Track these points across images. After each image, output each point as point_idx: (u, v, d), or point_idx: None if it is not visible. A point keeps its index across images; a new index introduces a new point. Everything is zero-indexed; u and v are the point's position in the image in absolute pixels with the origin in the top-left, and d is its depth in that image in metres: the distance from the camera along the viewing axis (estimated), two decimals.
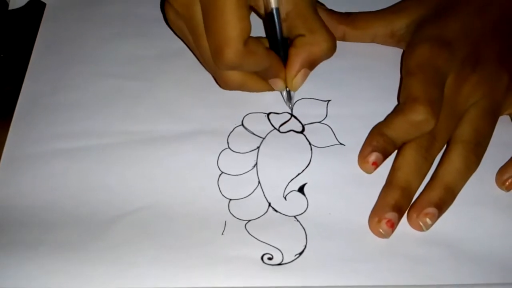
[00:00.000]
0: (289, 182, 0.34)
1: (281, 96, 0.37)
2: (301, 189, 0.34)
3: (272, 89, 0.37)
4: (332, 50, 0.35)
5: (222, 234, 0.32)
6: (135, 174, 0.34)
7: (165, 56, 0.40)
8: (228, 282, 0.30)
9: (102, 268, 0.30)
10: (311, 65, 0.35)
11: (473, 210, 0.33)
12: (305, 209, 0.33)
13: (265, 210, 0.33)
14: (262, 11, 0.35)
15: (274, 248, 0.31)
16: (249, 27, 0.31)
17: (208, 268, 0.31)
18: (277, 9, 0.34)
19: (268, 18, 0.35)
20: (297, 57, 0.35)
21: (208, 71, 0.37)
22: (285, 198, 0.33)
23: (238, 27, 0.30)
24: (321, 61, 0.36)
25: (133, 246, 0.31)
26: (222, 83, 0.36)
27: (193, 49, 0.36)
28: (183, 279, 0.30)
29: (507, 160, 0.35)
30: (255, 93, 0.37)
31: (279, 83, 0.36)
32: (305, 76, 0.35)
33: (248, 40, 0.31)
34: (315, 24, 0.35)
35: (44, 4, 0.44)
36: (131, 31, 0.42)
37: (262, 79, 0.36)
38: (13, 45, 0.41)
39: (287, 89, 0.36)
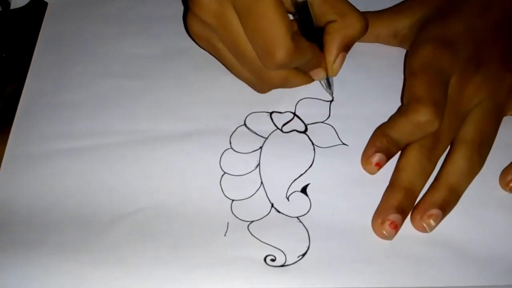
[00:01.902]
0: (292, 183, 0.34)
1: (283, 95, 0.37)
2: (304, 190, 0.34)
3: (310, 82, 0.37)
4: (366, 29, 0.36)
5: (225, 235, 0.32)
6: (137, 174, 0.34)
7: (167, 55, 0.40)
8: (230, 283, 0.30)
9: (104, 268, 0.30)
10: (347, 47, 0.36)
11: (477, 212, 0.33)
12: (308, 210, 0.33)
13: (268, 211, 0.33)
14: (287, 5, 0.35)
15: (277, 250, 0.31)
16: (290, 23, 0.31)
17: (211, 269, 0.31)
18: (306, 1, 0.34)
19: (298, 10, 0.35)
20: (334, 43, 0.35)
21: (243, 78, 0.36)
22: (288, 199, 0.33)
23: (283, 25, 0.30)
24: (355, 42, 0.36)
25: (135, 247, 0.31)
26: (266, 84, 0.36)
27: (225, 58, 0.35)
28: (185, 280, 0.30)
29: (510, 161, 0.35)
30: (257, 92, 0.37)
31: (321, 73, 0.36)
32: (344, 59, 0.36)
33: (293, 36, 0.31)
34: (344, 7, 0.35)
35: (46, 3, 0.43)
36: (133, 30, 0.42)
37: (302, 73, 0.36)
38: (15, 44, 0.41)
39: (327, 77, 0.37)
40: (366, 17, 0.35)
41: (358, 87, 0.38)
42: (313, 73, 0.36)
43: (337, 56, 0.35)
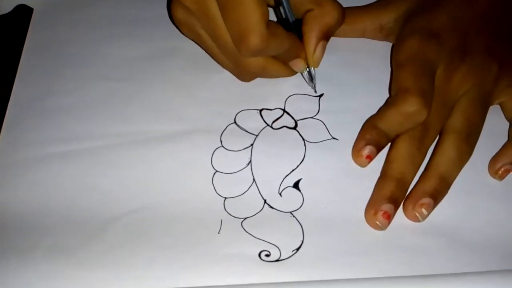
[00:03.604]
0: (284, 178, 0.34)
1: (272, 91, 0.37)
2: (296, 185, 0.34)
3: (292, 74, 0.37)
4: (343, 16, 0.36)
5: (219, 232, 0.32)
6: (129, 175, 0.34)
7: (156, 57, 0.40)
8: (226, 280, 0.30)
9: (99, 271, 0.30)
10: (326, 36, 0.36)
11: (468, 199, 0.33)
12: (300, 204, 0.33)
13: (261, 207, 0.33)
14: None
15: (271, 245, 0.31)
16: (267, 11, 0.31)
17: (206, 267, 0.31)
18: None
19: (277, 2, 0.35)
20: (312, 32, 0.35)
21: (225, 66, 0.37)
22: (280, 195, 0.33)
23: (259, 12, 0.31)
24: (335, 30, 0.36)
25: (130, 248, 0.31)
26: (244, 72, 0.36)
27: (207, 45, 0.36)
28: (181, 279, 0.30)
29: (498, 149, 0.35)
30: (246, 89, 0.37)
31: (300, 63, 0.36)
32: (324, 49, 0.36)
33: (269, 23, 0.31)
34: None
35: (31, 9, 0.43)
36: (120, 33, 0.42)
37: (282, 63, 0.36)
38: (2, 51, 0.41)
39: (308, 69, 0.37)
40: (342, 6, 0.36)
41: (346, 81, 0.38)
42: (292, 64, 0.36)
43: (316, 45, 0.35)
